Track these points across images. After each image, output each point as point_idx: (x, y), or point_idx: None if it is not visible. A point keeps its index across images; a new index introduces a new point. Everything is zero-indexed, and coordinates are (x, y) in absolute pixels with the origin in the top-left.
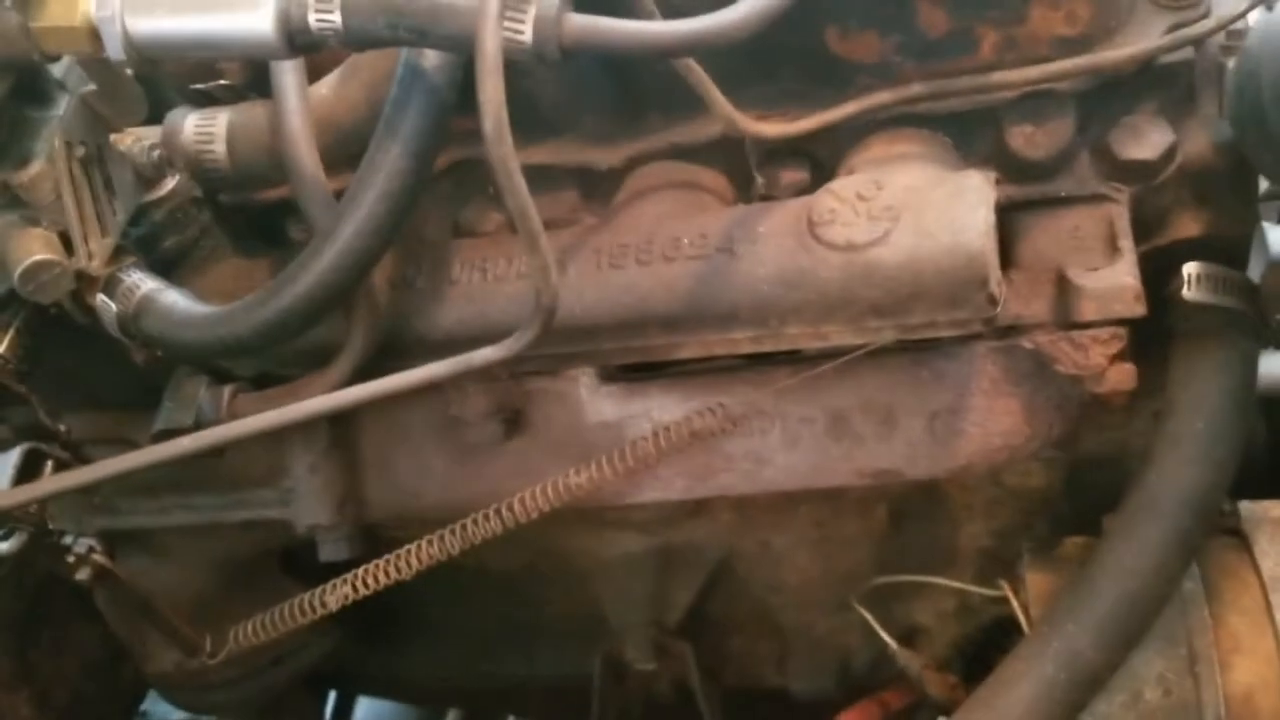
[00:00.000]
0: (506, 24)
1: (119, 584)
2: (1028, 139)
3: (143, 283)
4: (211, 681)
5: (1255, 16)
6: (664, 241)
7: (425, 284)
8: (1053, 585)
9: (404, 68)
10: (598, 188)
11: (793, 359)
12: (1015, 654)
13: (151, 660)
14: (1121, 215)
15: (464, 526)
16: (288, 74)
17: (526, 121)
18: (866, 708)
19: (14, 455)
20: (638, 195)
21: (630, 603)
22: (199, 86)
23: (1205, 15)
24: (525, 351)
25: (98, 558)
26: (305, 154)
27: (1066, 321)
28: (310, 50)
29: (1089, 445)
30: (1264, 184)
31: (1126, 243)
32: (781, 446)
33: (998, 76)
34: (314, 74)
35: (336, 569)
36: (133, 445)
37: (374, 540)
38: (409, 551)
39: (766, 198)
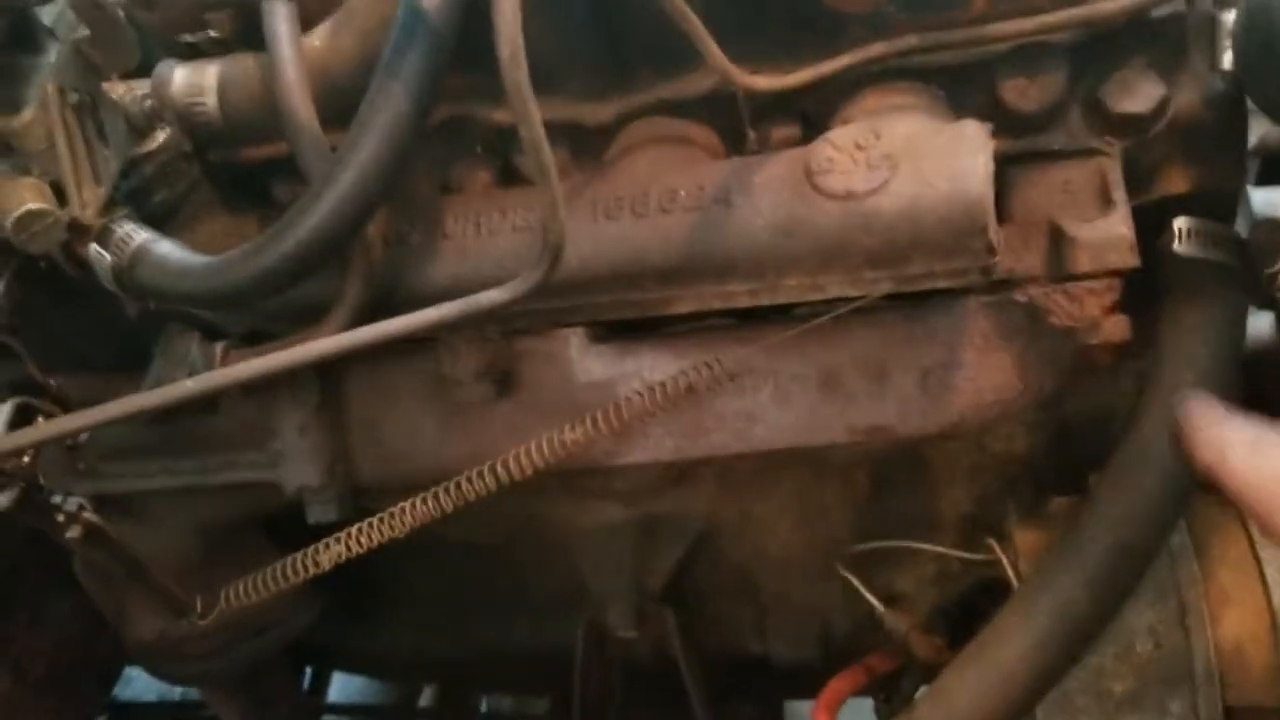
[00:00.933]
0: None
1: (110, 542)
2: (1020, 92)
3: (136, 233)
4: (193, 651)
5: None
6: (660, 193)
7: (419, 239)
8: (1042, 542)
9: (405, 10)
10: (588, 145)
11: (784, 316)
12: (1007, 607)
13: (133, 629)
14: (1114, 168)
15: (457, 485)
16: (281, 22)
17: None
18: (853, 673)
19: (5, 408)
20: (630, 150)
21: (612, 571)
22: (187, 38)
23: None
24: (531, 293)
25: (88, 515)
26: (300, 103)
27: (1060, 274)
28: None
29: (1074, 407)
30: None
31: (1120, 195)
32: (773, 404)
33: (990, 29)
34: (305, 26)
35: (322, 537)
36: None
37: (360, 509)
38: (402, 510)
39: (759, 153)
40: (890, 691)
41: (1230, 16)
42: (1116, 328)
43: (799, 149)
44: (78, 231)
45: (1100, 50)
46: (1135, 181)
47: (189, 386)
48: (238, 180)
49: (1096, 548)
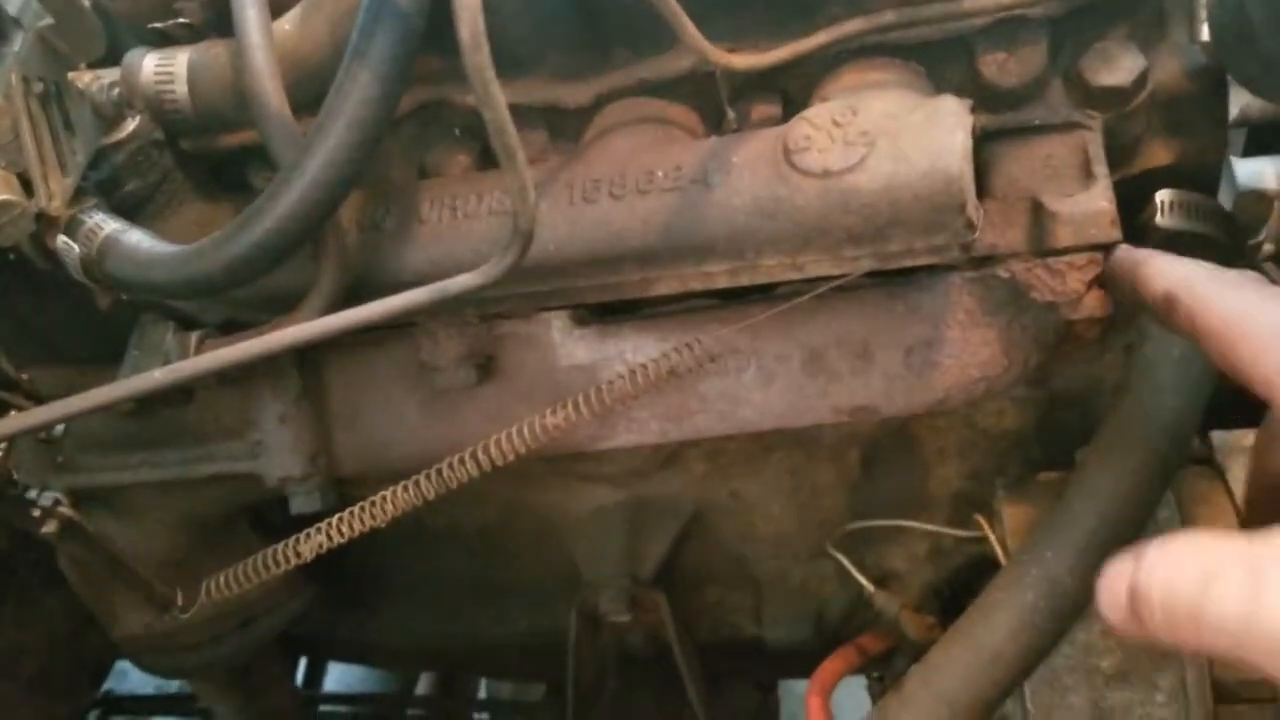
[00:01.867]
0: None
1: (87, 538)
2: (1000, 66)
3: (105, 224)
4: (181, 644)
5: None
6: (637, 174)
7: (394, 225)
8: (1029, 518)
9: None
10: (566, 127)
11: (767, 296)
12: (994, 583)
13: (119, 623)
14: (1095, 142)
15: (439, 471)
16: (249, 7)
17: (493, 59)
18: (845, 653)
19: None
20: (608, 130)
21: (603, 556)
22: (156, 25)
23: None
24: (502, 279)
25: (64, 510)
26: (270, 89)
27: (1042, 249)
28: None
29: (1061, 382)
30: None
31: (1101, 169)
32: (757, 385)
33: (969, 3)
34: (275, 12)
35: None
36: None
37: (344, 498)
38: (383, 498)
39: (738, 132)
40: (883, 671)
41: None
42: (1098, 302)
43: (777, 128)
44: (45, 223)
45: (1079, 23)
46: (1117, 155)
47: (157, 377)
48: (214, 168)
49: (1083, 523)
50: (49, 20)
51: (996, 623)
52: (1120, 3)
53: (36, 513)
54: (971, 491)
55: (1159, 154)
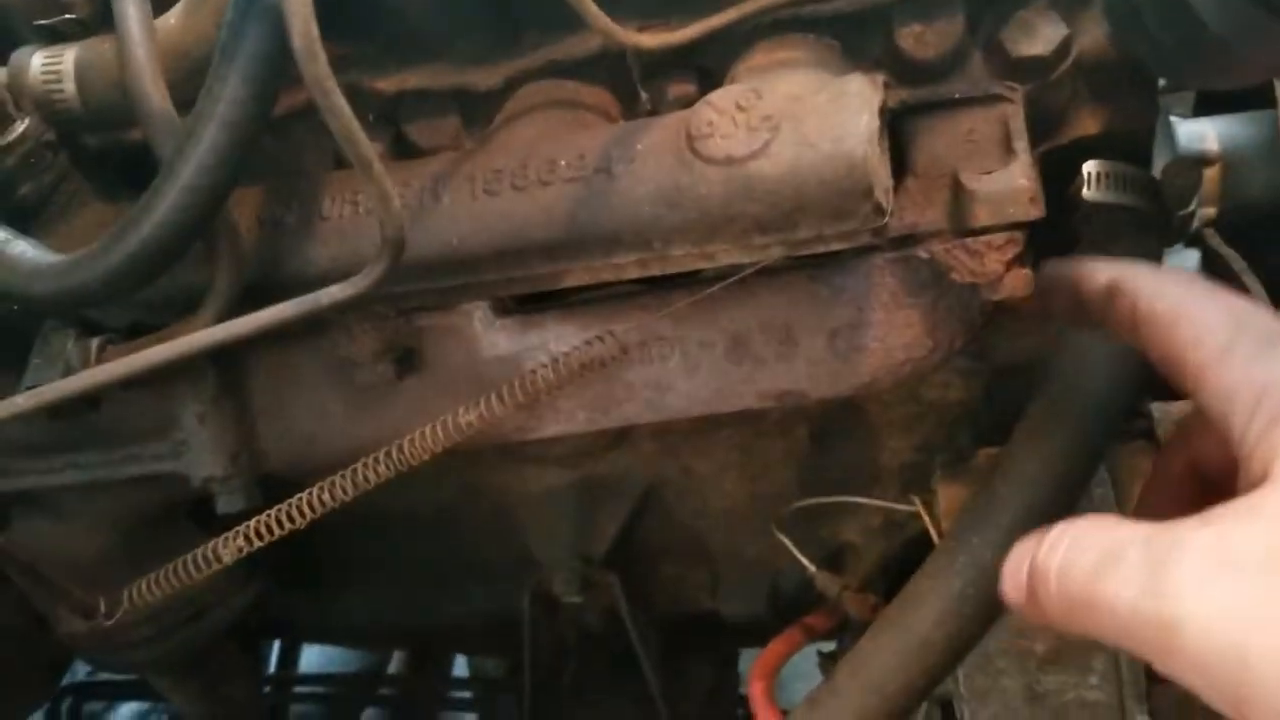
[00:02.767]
0: None
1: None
2: (917, 39)
3: None
4: (127, 640)
5: None
6: (539, 164)
7: (295, 221)
8: (965, 497)
9: None
10: (479, 111)
11: (691, 282)
12: (923, 570)
13: (63, 622)
14: (1016, 115)
15: (354, 471)
16: (128, 3)
17: (400, 43)
18: (791, 634)
19: None
20: (515, 117)
21: (556, 537)
22: (43, 22)
23: None
24: (375, 287)
25: None
26: (151, 87)
27: (962, 228)
28: None
29: (1005, 354)
30: None
31: (1021, 143)
32: (682, 372)
33: None
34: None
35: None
36: None
37: (276, 493)
38: (301, 500)
39: (654, 113)
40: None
41: None
42: (1019, 282)
43: (681, 113)
44: None
45: None
46: (1044, 125)
47: (46, 394)
48: (120, 165)
49: (1009, 508)
50: None
51: (924, 610)
52: None
53: None
54: (923, 463)
55: (1087, 123)
